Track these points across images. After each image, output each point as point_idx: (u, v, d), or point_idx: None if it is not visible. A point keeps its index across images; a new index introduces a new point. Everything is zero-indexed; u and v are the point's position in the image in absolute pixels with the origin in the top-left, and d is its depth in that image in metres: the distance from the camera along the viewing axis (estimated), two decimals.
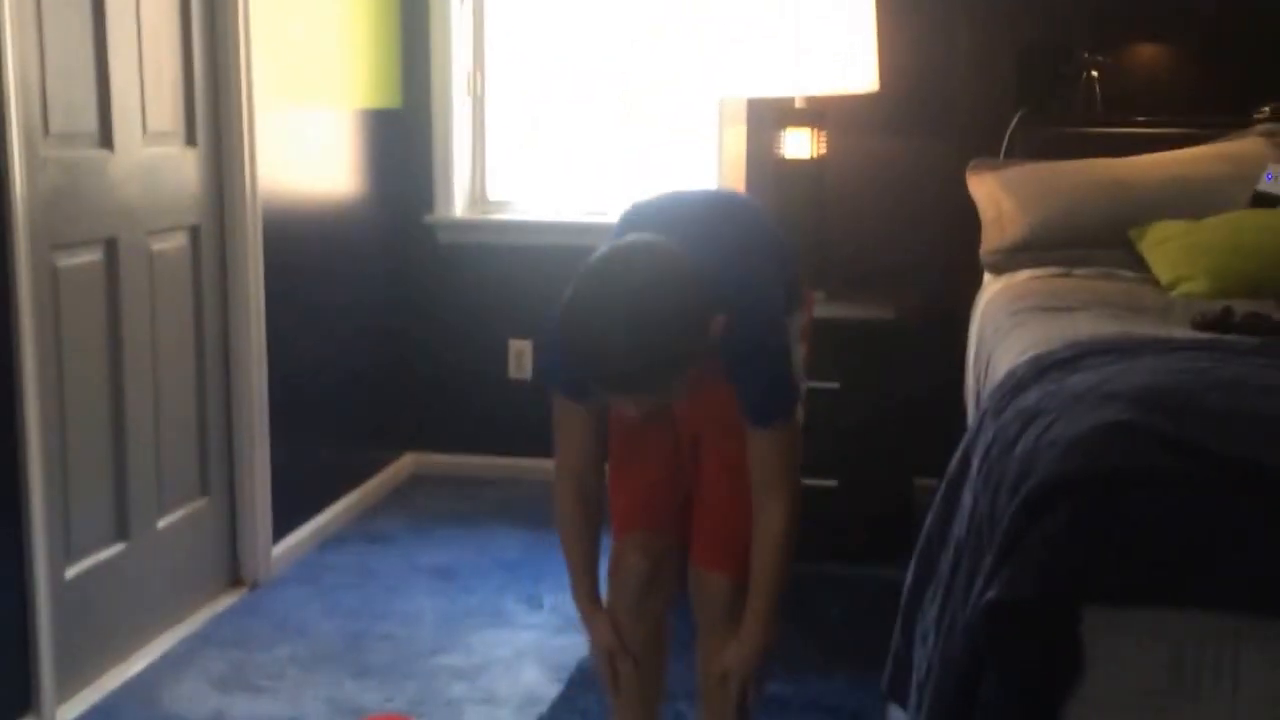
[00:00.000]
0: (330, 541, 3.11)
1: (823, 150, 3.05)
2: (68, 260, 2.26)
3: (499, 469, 3.59)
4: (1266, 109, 2.93)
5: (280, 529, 2.93)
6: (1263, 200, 2.66)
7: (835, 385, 2.83)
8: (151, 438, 2.51)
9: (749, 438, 1.69)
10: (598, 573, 1.83)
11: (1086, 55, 3.04)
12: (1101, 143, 2.95)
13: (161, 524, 2.56)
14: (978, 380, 2.37)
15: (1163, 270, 2.57)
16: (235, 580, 2.82)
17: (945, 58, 3.16)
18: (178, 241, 2.59)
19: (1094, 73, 3.04)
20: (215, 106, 2.68)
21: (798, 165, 3.01)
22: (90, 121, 2.31)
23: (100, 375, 2.36)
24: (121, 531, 2.44)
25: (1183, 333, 2.10)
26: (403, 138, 3.48)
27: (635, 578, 1.82)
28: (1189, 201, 2.68)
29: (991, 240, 2.86)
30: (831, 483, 2.88)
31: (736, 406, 1.66)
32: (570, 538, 1.82)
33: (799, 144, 3.03)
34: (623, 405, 1.55)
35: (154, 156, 2.49)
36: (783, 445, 1.67)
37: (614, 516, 1.84)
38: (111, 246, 2.37)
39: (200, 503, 2.70)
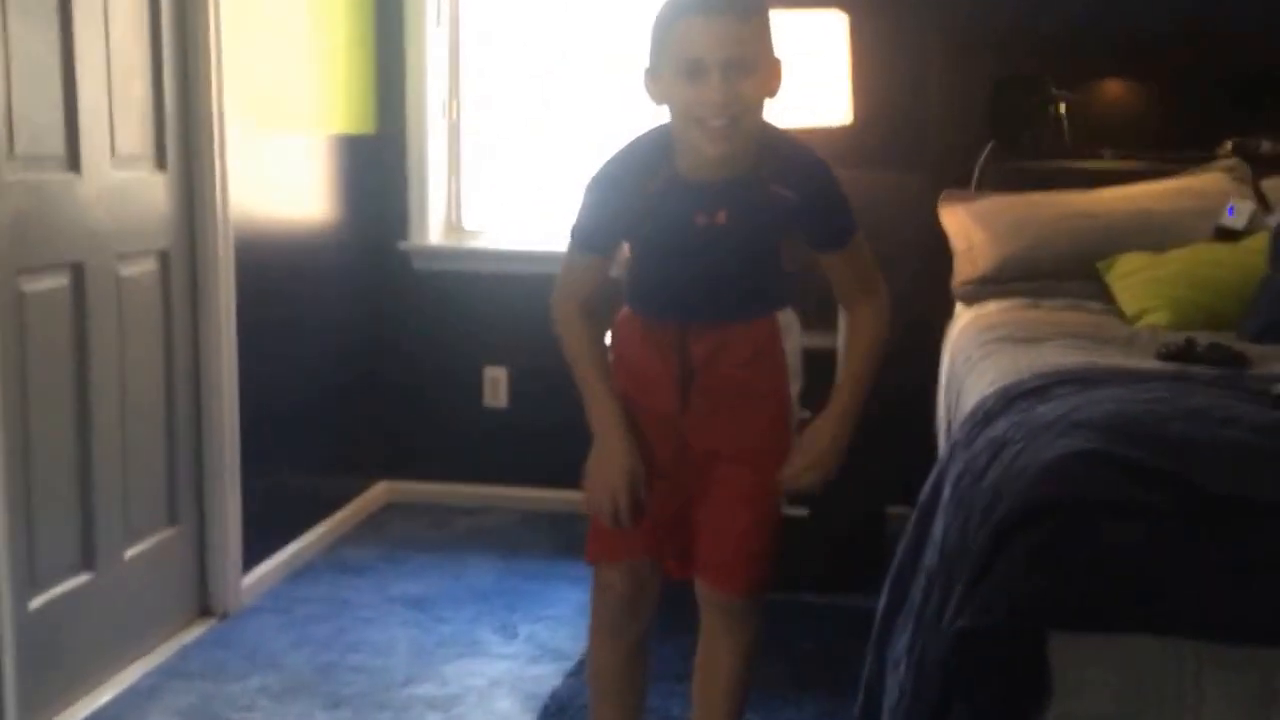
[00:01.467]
0: (302, 571, 3.09)
1: None
2: (33, 285, 2.24)
3: (474, 497, 3.58)
4: (1229, 144, 3.00)
5: (251, 558, 2.90)
6: (1224, 234, 2.72)
7: (808, 414, 2.84)
8: (119, 466, 2.49)
9: (827, 267, 1.72)
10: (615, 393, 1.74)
11: (1055, 90, 3.10)
12: (1070, 176, 3.00)
13: (129, 553, 2.53)
14: (948, 409, 2.40)
15: (1128, 302, 2.61)
16: (204, 611, 2.79)
17: (918, 91, 3.20)
18: (147, 266, 2.57)
19: (1062, 107, 3.10)
20: (186, 130, 2.67)
21: None
22: (57, 144, 2.29)
23: (66, 402, 2.34)
24: (88, 561, 2.40)
25: (1148, 363, 2.13)
26: (378, 164, 3.49)
27: (617, 600, 1.83)
28: (1154, 235, 2.73)
29: (963, 272, 2.90)
30: (804, 512, 2.89)
31: (811, 239, 1.69)
32: (581, 343, 1.75)
33: None
34: (713, 44, 1.53)
35: (123, 180, 2.48)
36: (862, 256, 1.74)
37: (594, 538, 1.83)
38: (79, 271, 2.35)
39: (169, 532, 2.68)
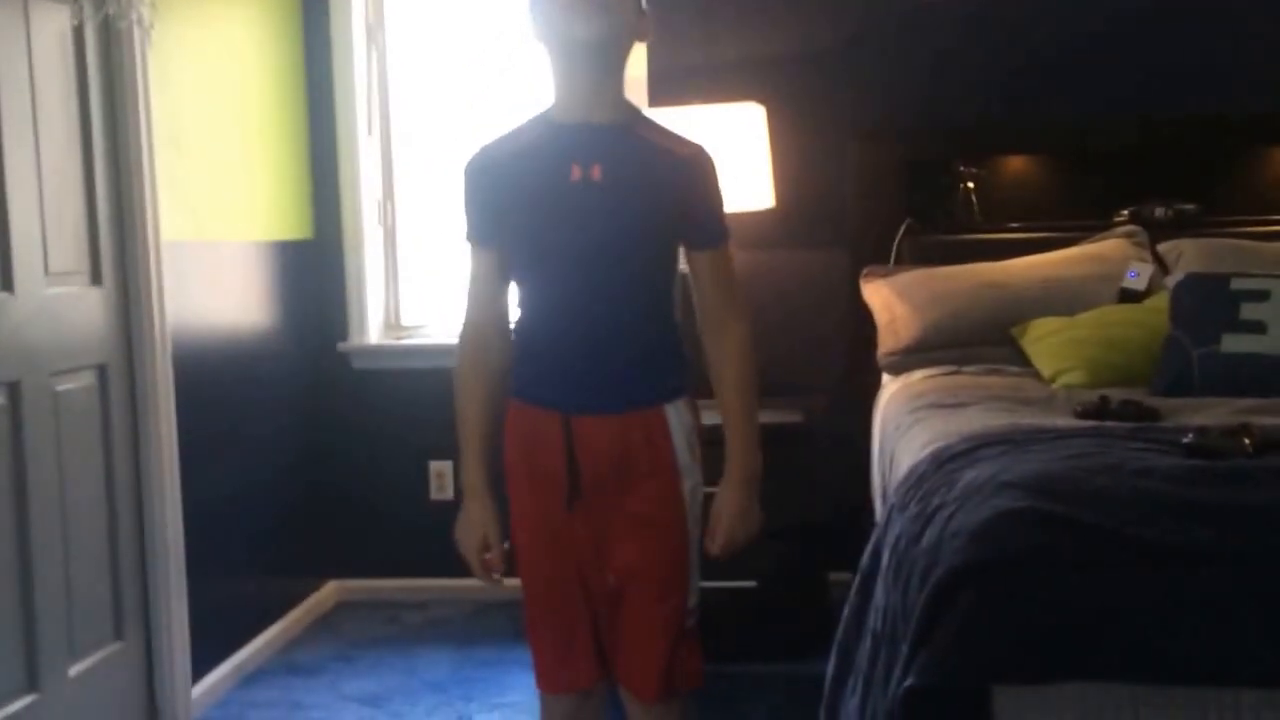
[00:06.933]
0: (253, 676, 3.05)
1: None
2: None
3: (424, 591, 3.57)
4: (1125, 212, 3.19)
5: (200, 667, 2.86)
6: (1127, 296, 2.88)
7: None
8: (61, 583, 2.45)
9: (694, 266, 1.76)
10: (489, 452, 1.79)
11: (962, 168, 3.28)
12: (980, 248, 3.16)
13: (73, 671, 2.48)
14: (883, 475, 2.48)
15: (1044, 365, 2.75)
16: None
17: (835, 175, 3.36)
18: (84, 381, 2.56)
19: (970, 184, 3.27)
20: (121, 243, 2.67)
21: None
22: None
23: (5, 521, 2.31)
24: (31, 682, 2.36)
25: (1066, 421, 2.24)
26: (315, 268, 3.53)
27: None
28: (1062, 299, 2.88)
29: (887, 343, 3.02)
30: (751, 584, 2.95)
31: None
32: (467, 400, 1.79)
33: None
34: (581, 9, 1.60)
35: (57, 297, 2.47)
36: (730, 268, 1.79)
37: (536, 669, 1.84)
38: (14, 390, 2.34)
39: (114, 647, 2.63)
